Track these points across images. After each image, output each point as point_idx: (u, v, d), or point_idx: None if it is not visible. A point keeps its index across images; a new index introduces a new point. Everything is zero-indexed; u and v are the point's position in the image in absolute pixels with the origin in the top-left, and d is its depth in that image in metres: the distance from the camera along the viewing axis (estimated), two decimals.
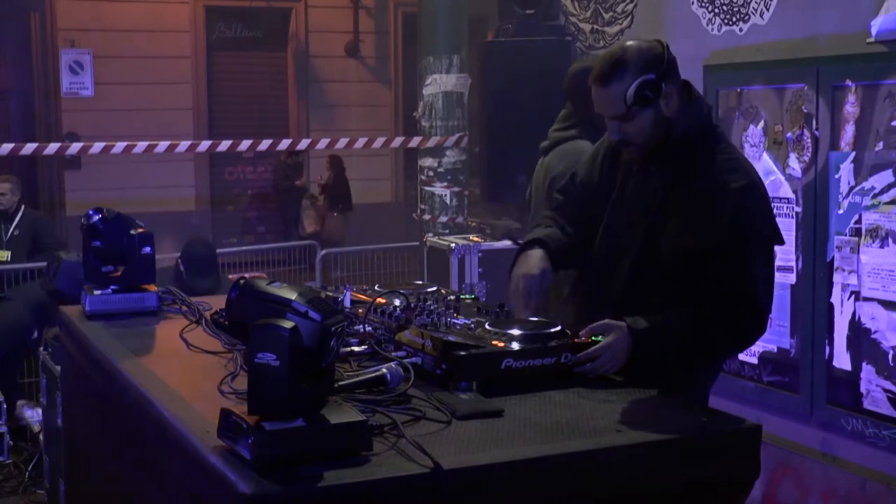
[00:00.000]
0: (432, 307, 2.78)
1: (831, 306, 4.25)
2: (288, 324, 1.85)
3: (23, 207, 7.37)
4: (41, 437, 5.02)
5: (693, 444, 2.15)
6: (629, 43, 2.70)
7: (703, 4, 4.88)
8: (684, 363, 2.66)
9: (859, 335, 4.15)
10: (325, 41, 11.63)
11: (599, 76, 2.64)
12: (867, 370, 4.12)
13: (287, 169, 11.38)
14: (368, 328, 2.70)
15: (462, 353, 2.37)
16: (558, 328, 2.60)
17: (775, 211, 4.45)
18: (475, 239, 5.89)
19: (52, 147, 7.10)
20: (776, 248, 2.77)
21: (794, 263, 4.41)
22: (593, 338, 2.52)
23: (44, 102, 10.52)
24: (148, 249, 3.33)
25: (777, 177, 4.49)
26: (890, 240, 4.01)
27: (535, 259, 2.76)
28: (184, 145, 7.58)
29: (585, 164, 2.95)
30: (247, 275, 2.06)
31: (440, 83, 6.61)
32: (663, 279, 2.65)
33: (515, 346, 2.46)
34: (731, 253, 2.57)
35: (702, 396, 2.79)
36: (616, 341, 2.51)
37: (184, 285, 5.33)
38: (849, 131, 4.18)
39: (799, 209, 4.38)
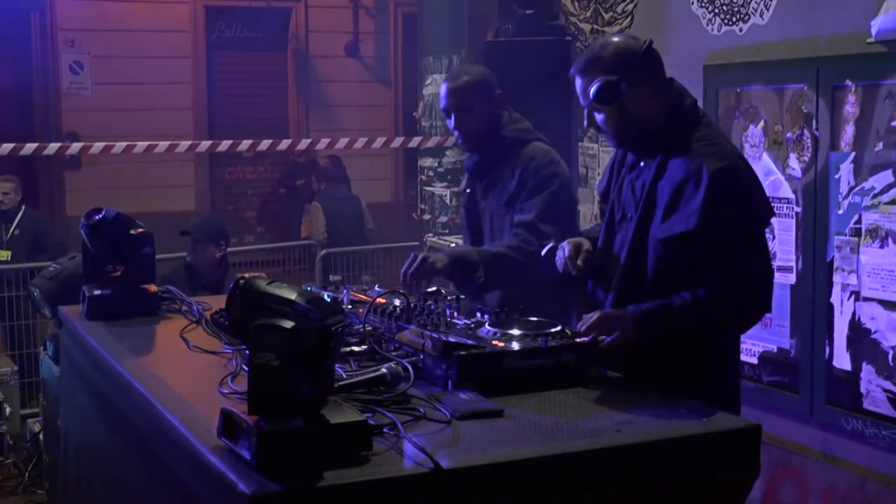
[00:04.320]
0: (432, 307, 2.78)
1: (831, 306, 4.25)
2: (288, 324, 1.85)
3: (23, 207, 7.37)
4: (41, 437, 5.03)
5: (693, 444, 2.15)
6: (613, 38, 2.81)
7: (703, 4, 4.88)
8: (688, 343, 2.68)
9: (859, 335, 4.15)
10: (325, 41, 11.62)
11: (576, 67, 2.79)
12: (867, 370, 4.12)
13: (298, 168, 11.38)
14: (368, 328, 2.70)
15: (462, 353, 2.37)
16: (558, 328, 2.61)
17: (775, 211, 4.45)
18: None
19: (52, 147, 7.09)
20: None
21: (794, 263, 4.41)
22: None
23: (44, 102, 10.51)
24: (148, 249, 3.33)
25: (777, 177, 4.49)
26: (890, 240, 4.01)
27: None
28: (184, 145, 7.58)
29: (602, 184, 3.06)
30: (247, 275, 2.06)
31: (440, 83, 6.61)
32: (657, 269, 2.69)
33: (515, 346, 2.46)
34: (713, 236, 2.60)
35: (731, 393, 2.82)
36: (618, 315, 2.57)
37: (193, 267, 5.48)
38: (849, 131, 4.17)
39: (799, 209, 4.38)
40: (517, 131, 3.52)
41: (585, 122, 2.82)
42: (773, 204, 4.42)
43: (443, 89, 3.57)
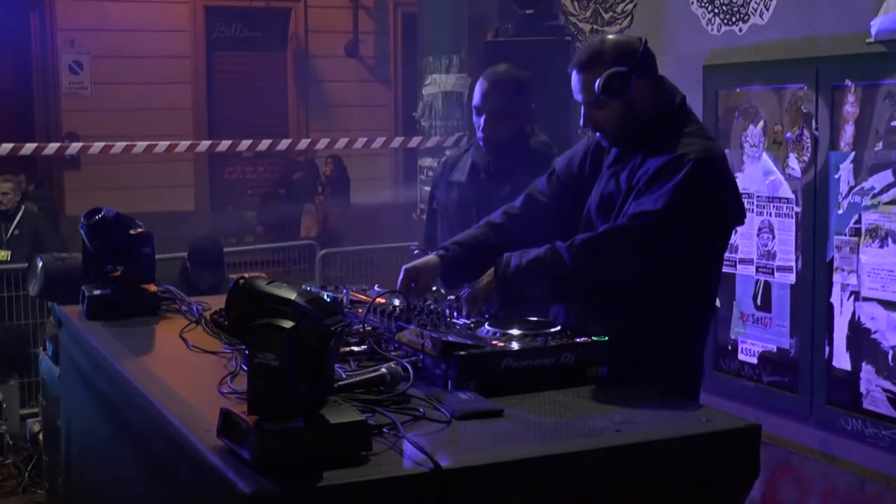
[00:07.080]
0: (432, 307, 2.78)
1: (831, 306, 4.25)
2: (288, 324, 1.85)
3: (23, 207, 7.38)
4: (41, 437, 5.03)
5: (693, 444, 2.15)
6: (609, 36, 2.85)
7: (703, 4, 4.88)
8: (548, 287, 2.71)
9: (859, 335, 4.15)
10: (325, 41, 11.64)
11: (576, 63, 2.79)
12: (867, 370, 4.12)
13: (296, 165, 11.39)
14: (368, 328, 2.70)
15: (462, 353, 2.37)
16: (558, 328, 2.61)
17: (775, 210, 4.45)
18: None
19: (52, 147, 7.09)
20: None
21: (793, 263, 4.41)
22: (593, 338, 2.53)
23: (44, 102, 10.52)
24: (148, 249, 3.33)
25: (776, 177, 4.49)
26: (889, 240, 4.01)
27: (424, 260, 2.96)
28: (184, 145, 7.59)
29: (564, 159, 3.05)
30: (247, 275, 2.06)
31: (440, 83, 6.61)
32: None
33: (515, 346, 2.46)
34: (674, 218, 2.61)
35: (692, 378, 2.83)
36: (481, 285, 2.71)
37: (189, 282, 5.44)
38: (848, 131, 4.17)
39: (798, 209, 4.38)
40: (543, 143, 3.56)
41: (582, 121, 2.81)
42: (773, 204, 4.46)
43: (484, 87, 3.51)
